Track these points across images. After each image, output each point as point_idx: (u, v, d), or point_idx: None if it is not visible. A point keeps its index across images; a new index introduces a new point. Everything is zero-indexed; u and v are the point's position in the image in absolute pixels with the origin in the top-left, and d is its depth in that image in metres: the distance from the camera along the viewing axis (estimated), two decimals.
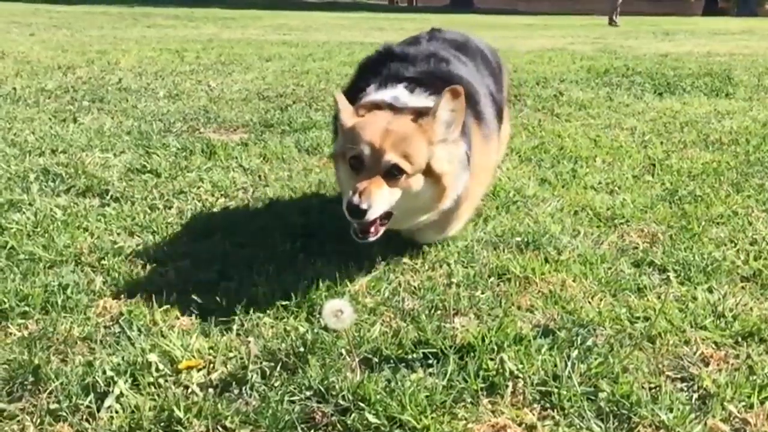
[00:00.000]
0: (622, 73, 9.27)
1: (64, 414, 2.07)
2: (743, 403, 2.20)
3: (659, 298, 2.87)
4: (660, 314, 2.67)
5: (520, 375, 2.29)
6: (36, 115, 5.86)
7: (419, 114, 2.78)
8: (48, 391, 2.15)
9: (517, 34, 19.14)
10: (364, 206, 2.61)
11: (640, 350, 2.48)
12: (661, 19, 28.10)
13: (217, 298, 2.72)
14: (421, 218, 2.97)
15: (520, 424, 2.09)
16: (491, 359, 2.35)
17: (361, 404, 2.12)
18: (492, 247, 3.34)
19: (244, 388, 2.21)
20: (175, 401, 2.10)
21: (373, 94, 3.00)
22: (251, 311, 2.63)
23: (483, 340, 2.45)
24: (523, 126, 6.00)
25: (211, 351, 2.38)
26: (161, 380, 2.21)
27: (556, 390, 2.21)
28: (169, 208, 3.76)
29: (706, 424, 2.10)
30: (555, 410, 2.16)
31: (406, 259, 3.16)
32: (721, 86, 8.33)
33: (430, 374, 2.29)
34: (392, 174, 2.70)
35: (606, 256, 3.26)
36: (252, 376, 2.25)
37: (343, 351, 2.41)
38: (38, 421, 2.04)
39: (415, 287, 2.91)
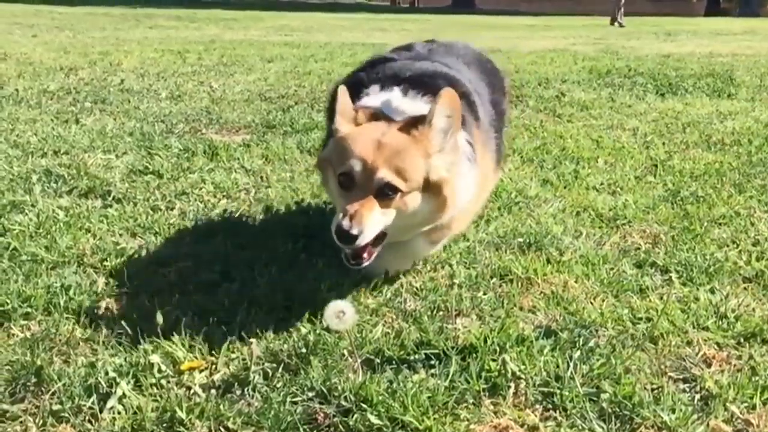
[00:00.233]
0: (624, 74, 9.26)
1: (67, 415, 2.07)
2: (745, 404, 2.20)
3: (661, 298, 2.87)
4: (662, 315, 2.67)
5: (522, 376, 2.29)
6: (38, 117, 5.87)
7: (413, 123, 2.55)
8: (50, 392, 2.16)
9: (519, 34, 19.15)
10: (354, 231, 2.38)
11: (642, 351, 2.48)
12: (663, 20, 28.09)
13: (219, 299, 2.73)
14: (421, 230, 2.79)
15: (522, 425, 2.09)
16: (493, 360, 2.35)
17: (364, 405, 2.12)
18: (494, 248, 3.34)
19: (246, 389, 2.21)
20: (178, 402, 2.11)
21: (366, 98, 2.80)
22: (253, 312, 2.63)
23: (485, 341, 2.45)
24: (525, 127, 6.00)
25: (213, 352, 2.38)
26: (163, 381, 2.21)
27: (558, 391, 2.21)
28: (171, 209, 3.76)
29: (708, 425, 2.10)
30: (557, 411, 2.16)
31: None
32: (723, 87, 8.33)
33: (432, 375, 2.29)
34: (385, 193, 2.46)
35: (608, 257, 3.26)
36: (254, 377, 2.25)
37: (345, 352, 2.41)
38: (41, 422, 2.04)
39: (417, 288, 2.91)
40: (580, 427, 2.09)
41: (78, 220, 3.50)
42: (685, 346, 2.52)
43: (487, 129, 3.06)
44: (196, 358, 2.34)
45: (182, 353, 2.35)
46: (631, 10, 25.72)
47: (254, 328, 2.53)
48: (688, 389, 2.29)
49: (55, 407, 2.09)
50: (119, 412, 2.08)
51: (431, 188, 2.54)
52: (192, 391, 2.18)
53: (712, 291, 2.95)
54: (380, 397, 2.14)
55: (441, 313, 2.72)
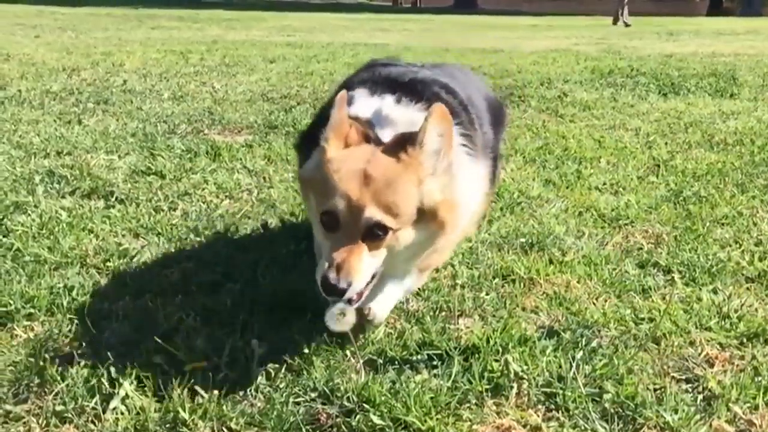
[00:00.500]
0: (627, 74, 9.26)
1: (70, 416, 2.07)
2: (748, 405, 2.20)
3: (664, 299, 2.87)
4: (665, 315, 2.67)
5: (525, 376, 2.29)
6: (41, 117, 5.88)
7: (403, 143, 2.27)
8: (53, 392, 2.16)
9: (521, 34, 19.14)
10: (342, 285, 2.13)
11: (644, 351, 2.48)
12: (666, 20, 28.06)
13: (222, 300, 2.73)
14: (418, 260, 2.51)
15: (524, 426, 2.09)
16: (496, 360, 2.36)
17: (366, 406, 2.12)
18: (496, 249, 3.34)
19: (248, 389, 2.22)
20: (181, 403, 2.11)
21: (356, 105, 2.54)
22: (255, 313, 2.64)
23: (487, 342, 2.45)
24: (528, 127, 6.00)
25: (215, 352, 2.38)
26: (166, 382, 2.22)
27: (560, 391, 2.21)
28: (174, 210, 3.76)
29: (711, 425, 2.10)
30: (560, 411, 2.16)
31: None
32: (725, 86, 8.32)
33: (435, 375, 2.30)
34: (375, 234, 2.19)
35: (610, 257, 3.26)
36: (257, 377, 2.26)
37: (348, 352, 2.41)
38: (44, 422, 2.05)
39: (419, 289, 2.91)
40: (582, 428, 2.09)
41: (81, 221, 3.51)
42: (688, 347, 2.52)
43: (483, 147, 2.79)
44: (199, 358, 2.34)
45: (185, 354, 2.35)
46: (633, 10, 25.65)
47: (256, 329, 2.53)
48: (690, 389, 2.29)
49: (58, 408, 2.10)
50: (122, 413, 2.09)
51: (426, 216, 2.27)
52: (195, 392, 2.19)
53: (714, 291, 2.95)
54: (383, 398, 2.14)
55: (443, 313, 2.73)
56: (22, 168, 4.36)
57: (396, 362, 2.36)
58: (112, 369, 2.25)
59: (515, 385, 2.25)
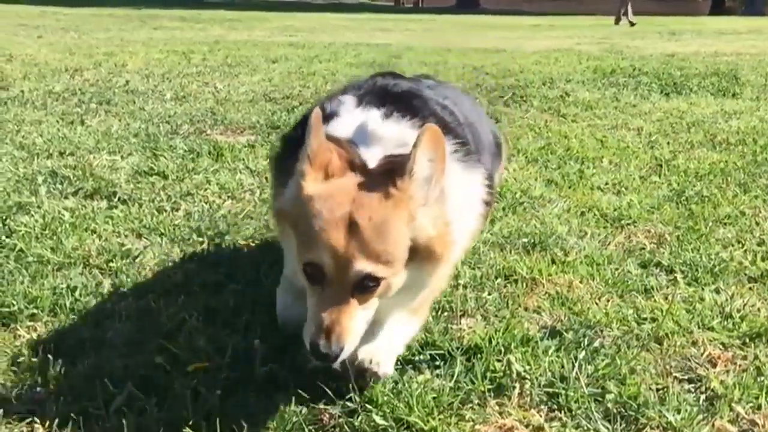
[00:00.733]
0: (629, 74, 9.25)
1: (73, 416, 2.07)
2: (751, 405, 2.19)
3: (666, 299, 2.87)
4: (667, 315, 2.67)
5: (527, 376, 2.29)
6: (44, 118, 5.88)
7: (391, 170, 2.04)
8: (57, 393, 2.16)
9: (523, 34, 19.13)
10: (334, 351, 1.95)
11: (647, 351, 2.48)
12: (668, 19, 28.03)
13: (225, 300, 2.73)
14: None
15: (527, 426, 2.09)
16: (498, 360, 2.36)
17: (369, 406, 2.12)
18: (498, 249, 3.34)
19: (251, 389, 2.22)
20: (183, 403, 2.11)
21: (341, 118, 2.35)
22: (258, 313, 2.64)
23: (490, 342, 2.45)
24: (530, 127, 6.00)
25: (218, 353, 2.38)
26: (169, 382, 2.22)
27: (563, 391, 2.21)
28: (177, 210, 3.77)
29: (713, 425, 2.10)
30: (562, 411, 2.16)
31: None
32: (728, 86, 8.32)
33: (437, 376, 2.30)
34: (365, 287, 1.99)
35: (613, 257, 3.26)
36: (259, 377, 2.26)
37: None
38: (47, 423, 2.04)
39: None
40: (585, 428, 2.09)
41: (83, 222, 3.51)
42: (690, 347, 2.52)
43: (478, 163, 2.55)
44: (201, 359, 2.35)
45: (188, 354, 2.35)
46: (635, 10, 25.63)
47: (259, 329, 2.53)
48: (693, 389, 2.29)
49: (62, 408, 2.10)
50: (125, 414, 2.09)
51: (419, 253, 2.05)
52: (197, 392, 2.19)
53: (717, 291, 2.95)
54: (385, 398, 2.14)
55: (446, 313, 2.73)
56: (25, 168, 4.37)
57: (398, 362, 2.35)
58: (115, 369, 2.25)
59: (518, 385, 2.25)
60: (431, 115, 2.38)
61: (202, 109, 6.45)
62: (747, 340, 2.57)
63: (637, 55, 12.16)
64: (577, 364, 2.33)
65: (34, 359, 2.32)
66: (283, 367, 2.31)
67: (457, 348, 2.42)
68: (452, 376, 2.28)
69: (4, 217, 3.50)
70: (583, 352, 2.42)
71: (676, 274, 3.10)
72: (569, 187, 4.29)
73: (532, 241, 3.40)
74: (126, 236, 3.41)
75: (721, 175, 4.60)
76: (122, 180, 4.20)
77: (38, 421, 2.05)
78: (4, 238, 3.27)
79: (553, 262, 3.20)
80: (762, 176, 4.59)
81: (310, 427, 2.07)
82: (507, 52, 12.56)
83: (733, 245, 3.44)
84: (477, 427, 2.08)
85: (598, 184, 4.37)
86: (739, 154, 5.19)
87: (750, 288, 3.00)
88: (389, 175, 2.03)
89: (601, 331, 2.61)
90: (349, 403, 2.14)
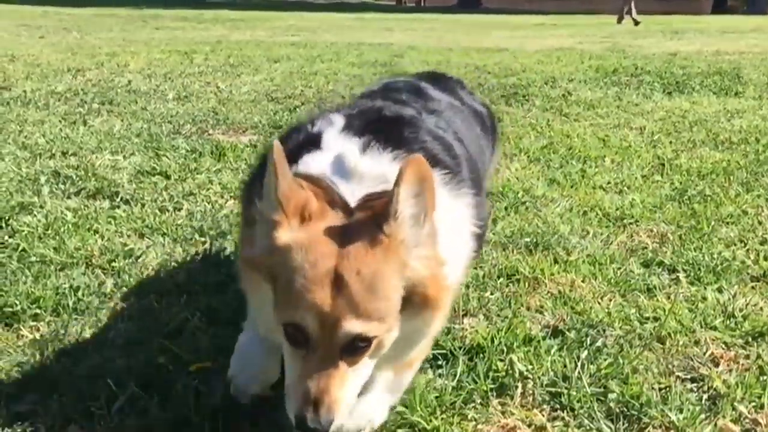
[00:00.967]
0: (631, 73, 9.25)
1: (76, 416, 2.08)
2: (753, 404, 2.20)
3: (669, 298, 2.87)
4: (669, 314, 2.67)
5: (530, 376, 2.30)
6: (46, 118, 5.89)
7: (377, 216, 1.77)
8: (59, 393, 2.17)
9: (526, 33, 19.11)
10: (324, 425, 1.70)
11: (649, 351, 2.48)
12: (670, 18, 28.00)
13: (227, 300, 2.73)
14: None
15: (529, 425, 2.10)
16: (501, 360, 2.36)
17: None
18: (501, 248, 3.34)
19: None
20: (186, 403, 2.11)
21: (324, 143, 2.07)
22: None
23: (492, 341, 2.45)
24: (532, 126, 6.00)
25: (220, 352, 2.38)
26: (171, 382, 2.22)
27: (565, 391, 2.22)
28: (179, 210, 3.77)
29: (716, 424, 2.10)
30: (565, 411, 2.16)
31: None
32: (730, 85, 8.31)
33: (440, 375, 2.30)
34: (356, 347, 1.74)
35: (615, 257, 3.26)
36: None
37: None
38: (50, 423, 2.05)
39: None
40: (587, 427, 2.09)
41: (86, 221, 3.52)
42: (693, 346, 2.52)
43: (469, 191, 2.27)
44: (203, 359, 2.35)
45: (190, 354, 2.36)
46: (638, 8, 25.60)
47: None
48: (695, 389, 2.29)
49: (64, 408, 2.10)
50: (127, 414, 2.09)
51: (412, 301, 1.80)
52: (200, 392, 2.19)
53: (719, 290, 2.95)
54: None
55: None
56: (27, 169, 4.37)
57: None
58: (118, 369, 2.26)
59: (520, 384, 2.26)
60: (420, 147, 2.12)
61: (205, 109, 6.45)
62: (749, 340, 2.57)
63: (639, 54, 12.16)
64: (579, 364, 2.34)
65: (36, 359, 2.32)
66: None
67: (460, 347, 2.42)
68: (455, 375, 2.28)
69: (7, 217, 3.50)
70: (586, 352, 2.42)
71: (678, 274, 3.10)
72: (571, 187, 4.28)
73: (535, 240, 3.40)
74: (128, 236, 3.41)
75: (723, 174, 4.60)
76: (125, 180, 4.20)
77: (41, 420, 2.06)
78: (7, 238, 3.27)
79: (556, 261, 3.20)
80: (764, 175, 4.58)
81: None
82: (509, 51, 12.55)
83: (735, 244, 3.43)
84: (479, 426, 2.09)
85: (601, 183, 4.37)
86: (741, 153, 5.19)
87: (752, 287, 3.00)
88: (373, 217, 1.79)
89: (604, 330, 2.61)
90: None
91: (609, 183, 4.38)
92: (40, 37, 13.73)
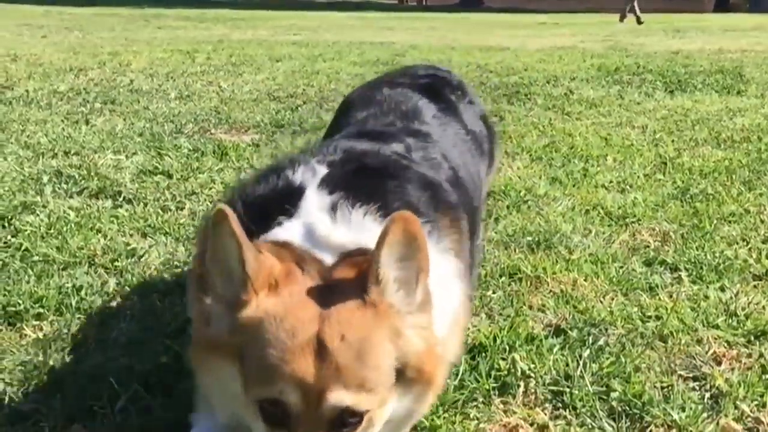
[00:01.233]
0: (633, 71, 9.23)
1: (78, 415, 2.08)
2: (756, 402, 2.20)
3: (671, 297, 2.87)
4: (672, 313, 2.67)
5: (532, 375, 2.30)
6: (48, 117, 5.90)
7: (358, 277, 1.60)
8: (62, 392, 2.17)
9: (527, 32, 19.09)
10: None
11: (651, 349, 2.48)
12: (672, 16, 27.95)
13: None
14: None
15: (532, 424, 2.10)
16: (503, 359, 2.36)
17: None
18: (503, 247, 3.34)
19: None
20: (188, 402, 2.11)
21: (278, 230, 1.78)
22: None
23: (494, 340, 2.45)
24: (534, 125, 5.99)
25: None
26: (174, 381, 2.22)
27: (567, 390, 2.22)
28: (181, 210, 3.77)
29: (718, 423, 2.10)
30: (567, 410, 2.16)
31: None
32: (732, 83, 8.30)
33: None
34: (345, 424, 1.52)
35: (617, 255, 3.26)
36: None
37: None
38: (52, 422, 2.05)
39: None
40: (589, 426, 2.09)
41: (89, 221, 3.52)
42: (695, 345, 2.52)
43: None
44: None
45: None
46: (640, 7, 25.56)
47: None
48: (698, 387, 2.29)
49: (67, 407, 2.11)
50: (130, 413, 2.09)
51: (406, 375, 1.60)
52: None
53: (721, 289, 2.95)
54: None
55: None
56: (30, 168, 4.38)
57: None
58: (120, 368, 2.26)
59: (522, 383, 2.26)
60: (405, 202, 1.92)
61: (207, 109, 6.46)
62: (752, 338, 2.57)
63: (641, 52, 12.14)
64: (581, 363, 2.34)
65: (39, 358, 2.33)
66: None
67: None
68: (457, 374, 2.28)
69: (9, 217, 3.51)
70: (588, 351, 2.42)
71: (680, 272, 3.10)
72: (573, 186, 4.28)
73: (537, 239, 3.40)
74: (131, 235, 3.41)
75: (725, 172, 4.59)
76: (127, 179, 4.20)
77: (44, 419, 2.06)
78: (9, 237, 3.28)
79: (558, 260, 3.20)
80: (766, 174, 4.58)
81: None
82: (511, 50, 12.54)
83: (737, 243, 3.43)
84: (482, 425, 2.09)
85: (603, 182, 4.36)
86: (743, 151, 5.18)
87: (755, 286, 3.00)
88: (356, 277, 1.60)
89: (606, 329, 2.61)
90: None
91: (611, 182, 4.38)
92: (43, 36, 13.74)
